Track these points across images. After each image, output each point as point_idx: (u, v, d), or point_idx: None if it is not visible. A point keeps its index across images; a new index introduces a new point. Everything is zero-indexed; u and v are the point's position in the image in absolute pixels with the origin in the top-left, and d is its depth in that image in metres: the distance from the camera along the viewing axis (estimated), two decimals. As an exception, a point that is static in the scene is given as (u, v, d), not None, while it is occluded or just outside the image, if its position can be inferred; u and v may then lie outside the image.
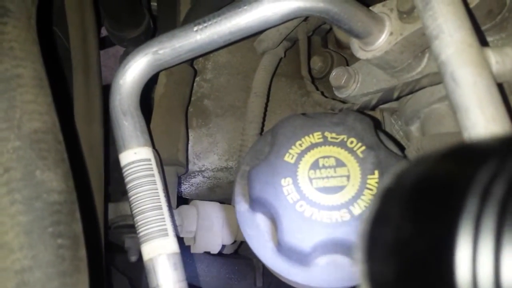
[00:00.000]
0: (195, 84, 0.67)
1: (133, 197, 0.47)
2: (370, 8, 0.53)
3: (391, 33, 0.52)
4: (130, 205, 0.48)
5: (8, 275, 0.36)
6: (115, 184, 0.67)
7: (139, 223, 0.46)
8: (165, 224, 0.46)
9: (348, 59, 0.73)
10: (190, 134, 0.65)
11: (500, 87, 0.39)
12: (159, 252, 0.45)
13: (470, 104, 0.37)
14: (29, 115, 0.39)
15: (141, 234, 0.46)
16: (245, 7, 0.48)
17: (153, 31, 0.94)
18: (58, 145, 0.40)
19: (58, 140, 0.41)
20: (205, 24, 0.48)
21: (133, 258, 0.58)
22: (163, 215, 0.47)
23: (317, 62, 0.70)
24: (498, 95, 0.38)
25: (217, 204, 0.59)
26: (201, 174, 0.66)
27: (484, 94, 0.37)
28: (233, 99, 0.67)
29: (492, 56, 0.38)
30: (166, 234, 0.46)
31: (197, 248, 0.56)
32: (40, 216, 0.36)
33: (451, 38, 0.38)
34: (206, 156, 0.65)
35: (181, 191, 0.68)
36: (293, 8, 0.47)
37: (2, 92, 0.39)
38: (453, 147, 0.24)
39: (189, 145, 0.64)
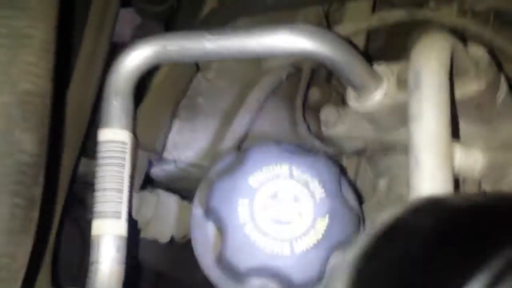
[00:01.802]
0: (195, 78, 0.69)
1: (99, 173, 0.49)
2: (375, 64, 0.56)
3: (385, 94, 0.54)
4: (94, 179, 0.50)
5: None
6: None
7: (97, 199, 0.49)
8: (120, 207, 0.49)
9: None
10: (174, 124, 0.67)
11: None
12: (107, 231, 0.48)
13: (424, 188, 0.40)
14: (26, 76, 0.41)
15: (95, 209, 0.49)
16: (258, 32, 0.50)
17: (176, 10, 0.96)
18: (44, 110, 0.42)
19: (45, 105, 0.43)
20: (218, 36, 0.50)
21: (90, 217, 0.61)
22: (121, 198, 0.49)
23: (315, 94, 0.72)
24: (452, 189, 0.40)
25: (177, 199, 0.61)
26: (174, 163, 0.68)
27: (439, 185, 0.40)
28: (226, 105, 0.69)
29: (459, 153, 0.41)
30: (119, 217, 0.49)
31: (147, 234, 0.59)
32: (5, 173, 0.39)
33: (427, 126, 0.41)
34: (184, 149, 0.67)
35: (152, 173, 0.70)
36: (300, 49, 0.49)
37: (9, 47, 0.41)
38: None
39: (171, 133, 0.66)
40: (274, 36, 0.50)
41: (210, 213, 0.50)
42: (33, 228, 0.41)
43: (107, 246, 0.48)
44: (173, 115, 0.65)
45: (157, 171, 0.70)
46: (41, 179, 0.42)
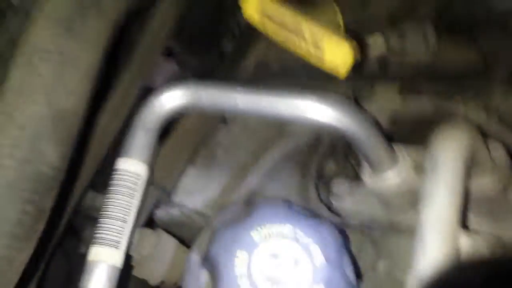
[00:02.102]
0: (218, 129, 0.71)
1: (108, 200, 0.50)
2: (394, 145, 0.57)
3: (399, 176, 0.55)
4: (102, 205, 0.50)
5: None
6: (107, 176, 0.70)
7: (100, 225, 0.49)
8: (122, 238, 0.49)
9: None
10: (189, 170, 0.68)
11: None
12: (103, 259, 0.48)
13: (425, 270, 0.40)
14: (66, 94, 0.43)
15: (97, 235, 0.49)
16: (287, 95, 0.52)
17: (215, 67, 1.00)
18: (73, 130, 0.44)
19: (76, 125, 0.45)
20: (250, 93, 0.52)
21: (83, 250, 0.60)
22: (124, 229, 0.49)
23: (330, 165, 0.73)
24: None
25: (177, 243, 0.61)
26: (180, 208, 0.68)
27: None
28: (242, 160, 0.70)
29: (464, 240, 0.41)
30: (118, 247, 0.48)
31: (138, 272, 0.58)
32: (22, 178, 0.40)
33: (437, 209, 0.41)
34: (193, 196, 0.68)
35: (155, 213, 0.70)
36: (325, 122, 0.51)
37: (57, 63, 0.44)
38: None
39: (184, 178, 0.67)
40: (302, 102, 0.52)
41: (207, 260, 0.49)
42: (35, 239, 0.41)
43: (100, 274, 0.47)
44: (190, 160, 0.67)
45: (161, 213, 0.70)
46: (54, 194, 0.43)
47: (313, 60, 0.49)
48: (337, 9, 0.58)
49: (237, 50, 0.92)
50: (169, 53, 1.05)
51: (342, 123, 0.52)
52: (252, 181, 0.66)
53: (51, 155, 0.42)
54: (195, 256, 0.51)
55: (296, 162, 0.71)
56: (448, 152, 0.43)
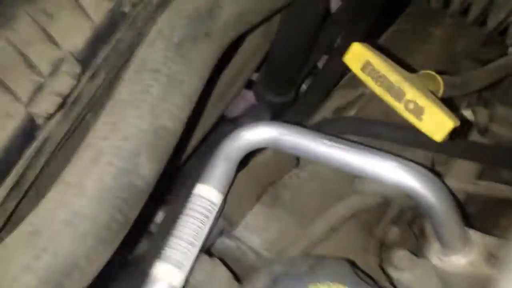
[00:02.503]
0: (289, 172, 0.72)
1: (181, 221, 0.52)
2: (470, 229, 0.55)
3: (469, 262, 0.53)
4: (174, 225, 0.52)
5: (62, 207, 0.41)
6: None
7: (169, 243, 0.50)
8: (186, 260, 0.50)
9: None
10: (255, 207, 0.69)
11: None
12: (166, 277, 0.49)
13: None
14: (169, 114, 0.46)
15: (164, 252, 0.50)
16: (370, 153, 0.52)
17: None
18: (170, 148, 0.47)
19: (172, 145, 0.47)
20: (334, 144, 0.53)
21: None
22: (191, 252, 0.50)
23: (394, 233, 0.71)
24: None
25: (231, 276, 0.61)
26: (237, 242, 0.69)
27: None
28: (308, 208, 0.70)
29: None
30: (181, 268, 0.50)
31: None
32: (117, 187, 0.42)
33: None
34: (253, 233, 0.68)
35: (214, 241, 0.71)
36: (405, 185, 0.50)
37: (164, 85, 0.47)
38: None
39: (248, 214, 0.68)
40: (386, 163, 0.52)
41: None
42: (115, 247, 0.43)
43: (158, 289, 0.49)
44: (258, 197, 0.68)
45: (217, 243, 0.71)
46: (139, 207, 0.45)
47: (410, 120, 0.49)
48: (439, 78, 0.59)
49: (316, 90, 0.95)
50: (248, 85, 1.09)
51: (424, 192, 0.51)
52: (314, 232, 0.66)
53: (146, 169, 0.44)
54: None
55: (362, 221, 0.70)
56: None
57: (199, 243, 0.52)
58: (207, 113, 0.87)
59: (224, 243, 0.72)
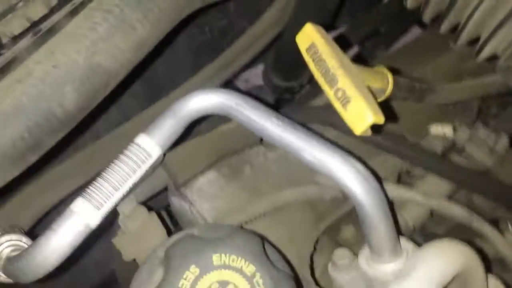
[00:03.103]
0: (256, 147, 0.71)
1: (112, 165, 0.52)
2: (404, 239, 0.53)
3: (394, 271, 0.51)
4: (105, 168, 0.53)
5: None
6: None
7: (94, 183, 0.51)
8: (106, 203, 0.51)
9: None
10: (209, 173, 0.68)
11: None
12: (81, 213, 0.50)
13: None
14: (109, 55, 0.47)
15: (87, 190, 0.51)
16: (316, 143, 0.50)
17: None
18: (103, 87, 0.48)
19: (107, 84, 0.49)
20: (282, 124, 0.52)
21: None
22: (112, 196, 0.51)
23: (348, 231, 0.69)
24: None
25: (164, 232, 0.62)
26: (191, 204, 0.69)
27: None
28: (263, 187, 0.69)
29: None
30: (98, 209, 0.51)
31: (116, 242, 0.61)
32: (36, 110, 0.43)
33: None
34: (205, 200, 0.68)
35: (170, 199, 0.72)
36: (341, 180, 0.48)
37: (115, 29, 0.47)
38: None
39: (202, 179, 0.68)
40: (329, 157, 0.50)
41: (166, 260, 0.50)
42: (21, 168, 0.44)
43: (72, 225, 0.50)
44: (212, 165, 0.67)
45: (175, 202, 0.72)
46: (57, 137, 0.46)
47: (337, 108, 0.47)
48: (389, 77, 0.56)
49: None
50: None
51: (355, 188, 0.49)
52: (255, 207, 0.65)
53: (69, 101, 0.45)
54: (160, 252, 0.51)
55: (314, 211, 0.69)
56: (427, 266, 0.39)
57: (123, 189, 0.52)
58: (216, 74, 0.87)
59: (181, 204, 0.73)
